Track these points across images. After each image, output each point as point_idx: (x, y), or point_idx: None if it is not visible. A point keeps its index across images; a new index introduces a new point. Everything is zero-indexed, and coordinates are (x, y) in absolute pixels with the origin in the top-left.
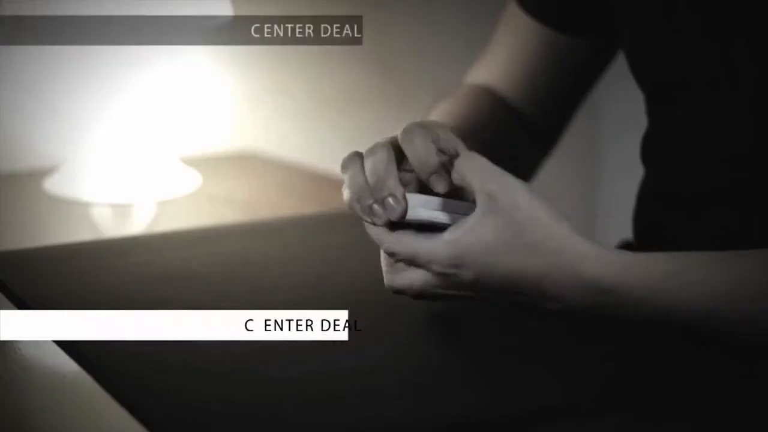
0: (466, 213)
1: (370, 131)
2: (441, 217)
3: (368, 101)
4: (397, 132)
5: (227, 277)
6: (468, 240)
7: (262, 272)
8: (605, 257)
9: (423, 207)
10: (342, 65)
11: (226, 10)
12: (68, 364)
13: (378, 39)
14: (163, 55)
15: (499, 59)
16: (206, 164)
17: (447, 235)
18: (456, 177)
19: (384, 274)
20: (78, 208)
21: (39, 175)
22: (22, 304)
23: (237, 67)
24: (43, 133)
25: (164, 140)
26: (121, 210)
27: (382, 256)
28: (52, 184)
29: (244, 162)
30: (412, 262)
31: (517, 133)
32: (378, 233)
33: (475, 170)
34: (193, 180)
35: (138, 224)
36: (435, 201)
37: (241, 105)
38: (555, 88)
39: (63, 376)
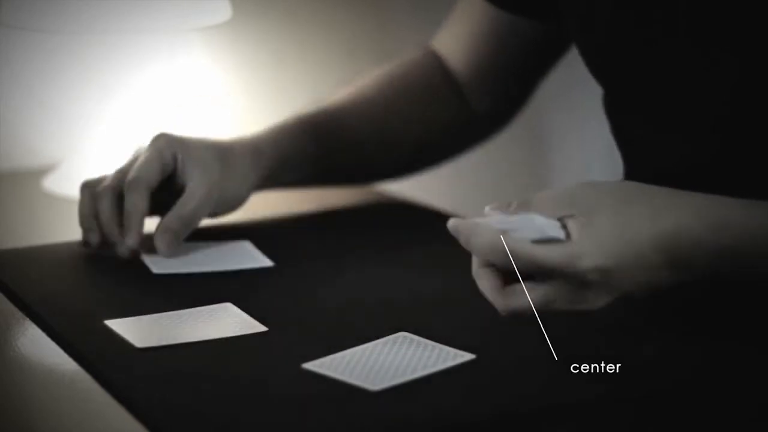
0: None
1: None
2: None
3: None
4: None
5: (226, 276)
6: (595, 229)
7: (261, 271)
8: (723, 202)
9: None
10: (341, 64)
11: (226, 10)
12: (68, 364)
13: (377, 38)
14: (163, 54)
15: (455, 33)
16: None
17: (574, 232)
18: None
19: (494, 303)
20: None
21: (39, 174)
22: (21, 303)
23: (236, 67)
24: (43, 133)
25: None
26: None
27: (487, 285)
28: (52, 183)
29: None
30: (538, 273)
31: (448, 100)
32: (491, 250)
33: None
34: None
35: None
36: (515, 221)
37: (240, 104)
38: (506, 69)
39: (63, 375)
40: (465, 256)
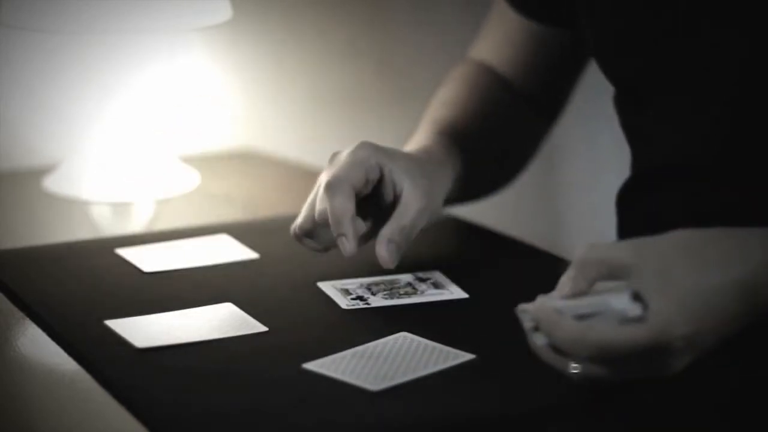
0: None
1: (367, 129)
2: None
3: (366, 100)
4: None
5: (226, 275)
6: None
7: (262, 271)
8: None
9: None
10: (340, 64)
11: (226, 10)
12: (68, 364)
13: (377, 39)
14: (163, 54)
15: (495, 41)
16: (205, 163)
17: (653, 307)
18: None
19: (562, 366)
20: (77, 207)
21: (39, 174)
22: (21, 303)
23: (236, 67)
24: (43, 133)
25: (163, 139)
26: (121, 209)
27: (551, 353)
28: (52, 183)
29: (243, 160)
30: (604, 355)
31: (517, 105)
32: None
33: (598, 262)
34: (192, 179)
35: (137, 223)
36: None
37: (240, 104)
38: (546, 69)
39: (63, 375)
40: (464, 256)
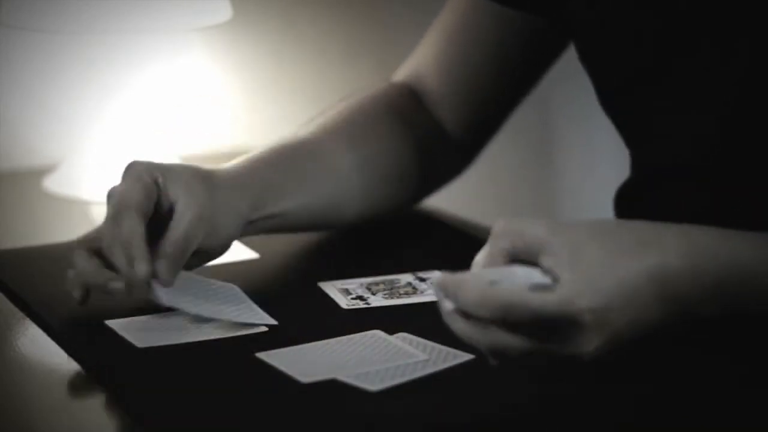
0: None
1: None
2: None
3: None
4: None
5: (226, 275)
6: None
7: (262, 271)
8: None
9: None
10: (340, 64)
11: (226, 10)
12: (68, 364)
13: (376, 39)
14: (163, 54)
15: (433, 48)
16: (205, 163)
17: (565, 275)
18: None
19: (477, 340)
20: (78, 207)
21: (39, 174)
22: (21, 303)
23: (236, 67)
24: (43, 133)
25: (163, 139)
26: None
27: (464, 326)
28: (52, 183)
29: None
30: (532, 322)
31: (423, 127)
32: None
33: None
34: None
35: None
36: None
37: (240, 104)
38: (482, 74)
39: (63, 375)
40: (463, 255)
